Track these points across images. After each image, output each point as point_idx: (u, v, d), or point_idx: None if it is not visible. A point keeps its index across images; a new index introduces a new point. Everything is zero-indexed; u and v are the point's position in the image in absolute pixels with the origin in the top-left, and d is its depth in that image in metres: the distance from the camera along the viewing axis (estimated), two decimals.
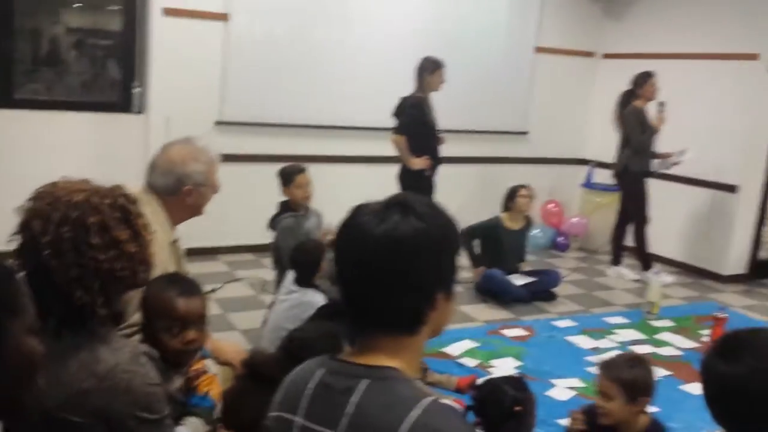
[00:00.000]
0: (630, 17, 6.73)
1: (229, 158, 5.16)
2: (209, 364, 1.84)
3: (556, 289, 5.17)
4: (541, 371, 3.78)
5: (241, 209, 5.13)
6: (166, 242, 2.15)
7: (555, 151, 6.95)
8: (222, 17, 5.11)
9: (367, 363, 1.09)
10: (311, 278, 3.42)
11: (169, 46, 5.01)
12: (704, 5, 6.00)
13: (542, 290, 5.03)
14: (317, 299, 3.18)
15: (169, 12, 4.93)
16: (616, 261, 5.80)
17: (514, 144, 6.81)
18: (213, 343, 2.23)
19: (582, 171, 6.92)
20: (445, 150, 6.20)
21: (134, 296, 1.70)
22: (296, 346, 2.07)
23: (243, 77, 5.22)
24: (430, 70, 4.54)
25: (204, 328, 1.83)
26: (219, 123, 5.25)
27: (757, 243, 6.04)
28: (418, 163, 4.55)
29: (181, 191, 2.20)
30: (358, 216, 1.11)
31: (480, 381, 2.59)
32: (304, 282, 3.43)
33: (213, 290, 4.54)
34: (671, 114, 5.52)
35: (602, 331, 4.46)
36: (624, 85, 6.05)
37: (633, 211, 5.57)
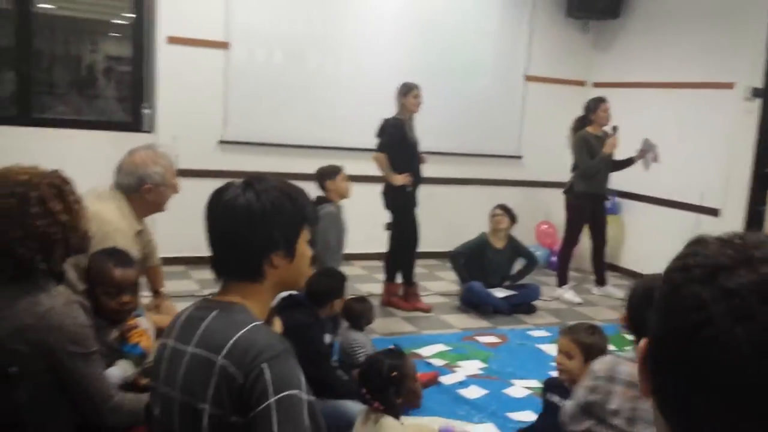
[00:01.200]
0: (617, 48, 7.04)
1: (231, 175, 5.59)
2: (141, 321, 2.19)
3: (540, 304, 5.41)
4: (504, 372, 4.03)
5: None
6: (131, 232, 2.52)
7: (548, 175, 7.21)
8: (223, 45, 5.55)
9: (220, 300, 1.45)
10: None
11: (175, 71, 5.44)
12: (685, 37, 6.28)
13: (522, 303, 5.27)
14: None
15: (173, 40, 5.38)
16: (600, 281, 5.98)
17: (509, 167, 7.11)
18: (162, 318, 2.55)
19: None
20: (444, 172, 6.59)
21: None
22: None
23: (243, 100, 5.64)
24: (403, 93, 4.88)
25: (136, 292, 2.23)
26: (222, 142, 5.65)
27: None
28: (400, 179, 4.85)
29: (142, 189, 2.57)
30: (224, 187, 1.47)
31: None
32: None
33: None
34: (658, 139, 5.77)
35: None
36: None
37: (567, 229, 5.72)
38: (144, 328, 2.16)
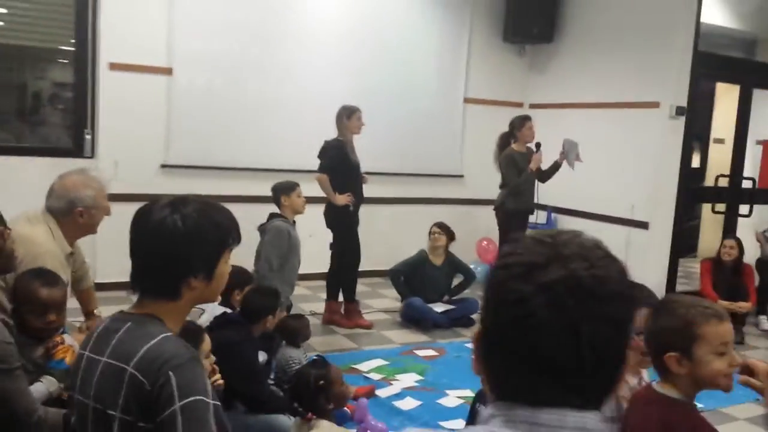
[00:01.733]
0: (552, 71, 7.35)
1: None
2: (67, 338, 2.28)
3: (477, 316, 5.58)
4: (439, 383, 4.17)
5: None
6: (62, 254, 2.60)
7: (489, 193, 7.36)
8: (166, 71, 5.64)
9: (134, 312, 1.52)
10: (229, 297, 3.82)
11: (116, 97, 5.51)
12: (614, 60, 6.61)
13: (461, 316, 5.44)
14: (217, 311, 3.60)
15: (115, 66, 5.46)
16: None
17: (451, 186, 7.32)
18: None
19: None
20: (387, 191, 6.75)
21: None
22: None
23: (186, 124, 5.73)
24: (346, 115, 5.04)
25: (62, 311, 2.30)
26: (164, 166, 5.72)
27: (674, 275, 6.49)
28: (342, 199, 4.99)
29: (74, 212, 2.65)
30: (150, 206, 1.53)
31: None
32: (224, 300, 3.84)
33: None
34: (589, 157, 6.01)
35: None
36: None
37: (500, 245, 5.93)
38: (69, 344, 2.24)
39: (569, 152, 5.76)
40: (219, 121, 5.84)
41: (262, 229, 4.54)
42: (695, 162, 8.54)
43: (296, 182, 4.67)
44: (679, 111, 6.09)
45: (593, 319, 0.77)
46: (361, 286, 6.14)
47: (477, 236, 7.18)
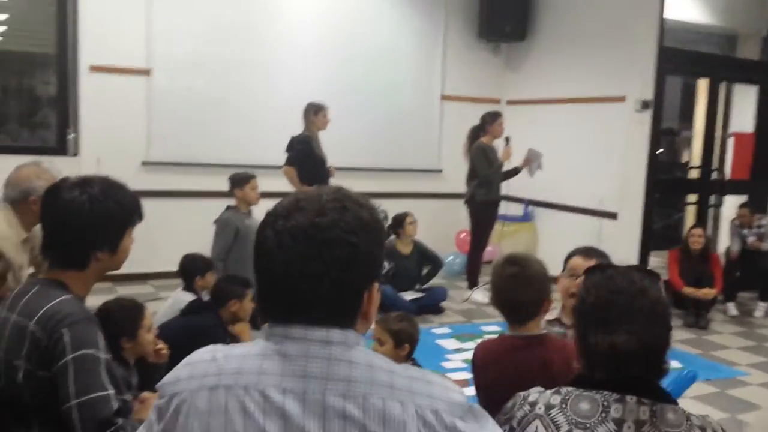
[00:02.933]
0: (526, 68, 7.54)
1: (154, 194, 5.91)
2: None
3: (451, 305, 5.78)
4: None
5: (166, 238, 5.74)
6: (17, 240, 2.82)
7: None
8: (145, 72, 5.88)
9: (44, 278, 1.74)
10: (192, 284, 4.04)
11: (98, 97, 5.75)
12: (583, 56, 6.79)
13: (431, 304, 5.63)
14: (187, 298, 3.81)
15: (96, 69, 5.70)
16: (473, 284, 6.21)
17: (430, 181, 7.52)
18: None
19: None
20: (367, 186, 6.94)
21: None
22: None
23: (165, 123, 5.96)
24: (313, 112, 5.26)
25: (3, 283, 2.51)
26: (145, 163, 5.95)
27: (645, 264, 6.66)
28: None
29: (28, 201, 2.86)
30: (60, 184, 1.74)
31: None
32: (187, 286, 4.05)
33: None
34: (562, 150, 6.21)
35: (472, 336, 5.05)
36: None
37: (474, 235, 6.12)
38: None
39: (532, 161, 6.05)
40: (198, 119, 6.07)
41: (216, 221, 4.74)
42: (686, 156, 8.71)
43: (252, 174, 4.83)
44: (645, 105, 6.26)
45: (310, 257, 0.99)
46: None
47: (456, 229, 7.37)
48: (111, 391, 1.59)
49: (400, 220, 5.73)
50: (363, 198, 1.10)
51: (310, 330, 1.00)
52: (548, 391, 1.41)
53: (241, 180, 4.80)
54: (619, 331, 1.33)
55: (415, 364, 3.10)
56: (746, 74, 7.40)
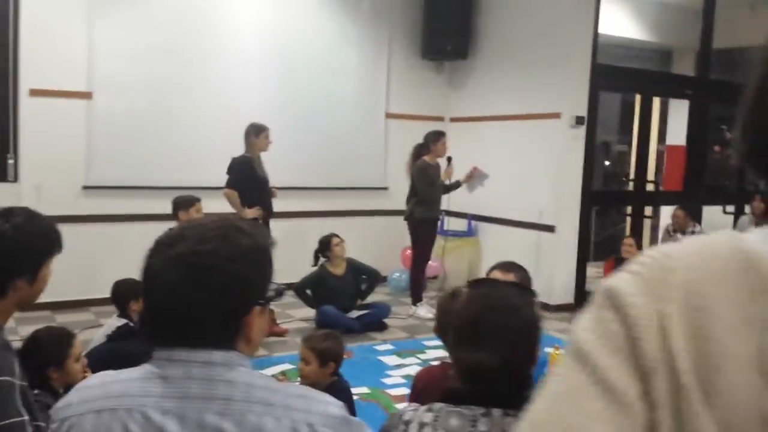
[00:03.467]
0: (469, 86, 7.74)
1: (96, 219, 5.89)
2: None
3: (395, 322, 5.88)
4: None
5: (108, 264, 5.70)
6: None
7: None
8: (86, 95, 5.88)
9: None
10: (126, 309, 4.06)
11: (37, 122, 5.72)
12: (521, 74, 7.00)
13: (374, 321, 5.72)
14: (115, 322, 3.84)
15: (35, 93, 5.69)
16: (416, 300, 6.32)
17: (377, 198, 7.64)
18: None
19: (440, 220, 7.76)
20: (313, 205, 7.05)
21: None
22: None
23: (106, 146, 5.96)
24: (254, 133, 5.33)
25: None
26: (86, 187, 5.93)
27: (583, 276, 6.87)
28: (250, 213, 5.26)
29: None
30: None
31: None
32: (122, 312, 4.07)
33: None
34: (503, 166, 6.38)
35: (413, 352, 5.16)
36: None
37: (415, 252, 6.26)
38: None
39: (477, 179, 6.26)
40: (140, 141, 6.08)
41: None
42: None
43: (196, 197, 4.90)
44: (579, 120, 6.50)
45: (190, 283, 1.09)
46: (287, 297, 6.40)
47: (402, 245, 7.49)
48: (26, 417, 1.63)
49: (326, 243, 5.78)
50: (250, 227, 1.20)
51: (192, 353, 1.09)
52: (422, 408, 1.50)
53: (185, 203, 4.84)
54: (485, 349, 1.41)
55: (341, 381, 3.19)
56: (679, 89, 7.72)
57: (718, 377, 0.57)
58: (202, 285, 1.09)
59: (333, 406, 1.13)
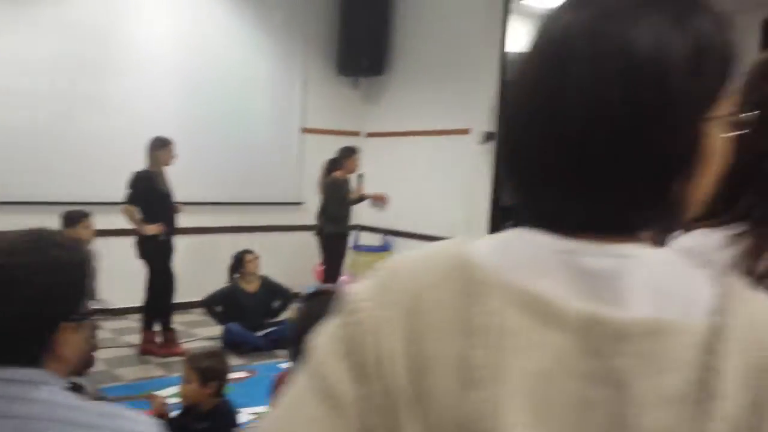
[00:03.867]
0: (384, 101, 7.79)
1: None
2: None
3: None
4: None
5: None
6: None
7: None
8: None
9: None
10: None
11: None
12: (433, 90, 7.10)
13: (281, 338, 5.63)
14: None
15: None
16: None
17: (292, 213, 7.57)
18: None
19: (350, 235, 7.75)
20: (224, 221, 6.92)
21: None
22: None
23: (2, 161, 5.69)
24: (158, 147, 5.20)
25: None
26: None
27: None
28: (151, 229, 5.11)
29: None
30: None
31: None
32: None
33: None
34: (416, 180, 6.45)
35: None
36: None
37: (327, 267, 6.28)
38: None
39: (378, 203, 6.45)
40: (40, 156, 5.84)
41: None
42: None
43: (85, 213, 4.76)
44: (488, 136, 6.61)
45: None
46: (192, 315, 6.25)
47: (315, 260, 7.43)
48: None
49: (239, 259, 5.73)
50: (66, 240, 1.16)
51: (15, 371, 1.06)
52: None
53: (72, 218, 4.67)
54: None
55: (225, 404, 3.12)
56: None
57: (426, 381, 0.58)
58: (7, 299, 1.06)
59: (144, 425, 1.11)
